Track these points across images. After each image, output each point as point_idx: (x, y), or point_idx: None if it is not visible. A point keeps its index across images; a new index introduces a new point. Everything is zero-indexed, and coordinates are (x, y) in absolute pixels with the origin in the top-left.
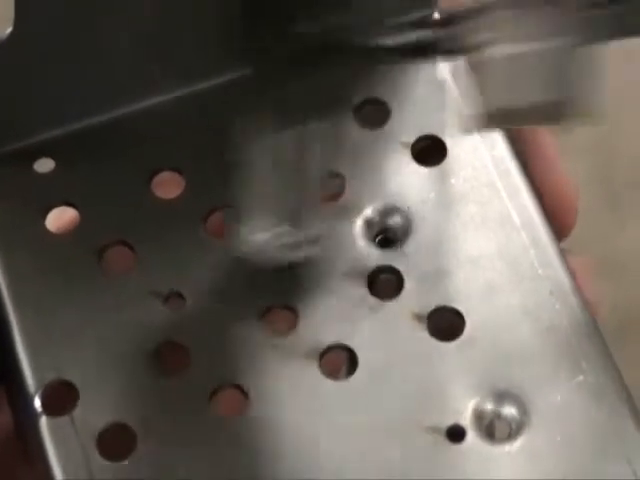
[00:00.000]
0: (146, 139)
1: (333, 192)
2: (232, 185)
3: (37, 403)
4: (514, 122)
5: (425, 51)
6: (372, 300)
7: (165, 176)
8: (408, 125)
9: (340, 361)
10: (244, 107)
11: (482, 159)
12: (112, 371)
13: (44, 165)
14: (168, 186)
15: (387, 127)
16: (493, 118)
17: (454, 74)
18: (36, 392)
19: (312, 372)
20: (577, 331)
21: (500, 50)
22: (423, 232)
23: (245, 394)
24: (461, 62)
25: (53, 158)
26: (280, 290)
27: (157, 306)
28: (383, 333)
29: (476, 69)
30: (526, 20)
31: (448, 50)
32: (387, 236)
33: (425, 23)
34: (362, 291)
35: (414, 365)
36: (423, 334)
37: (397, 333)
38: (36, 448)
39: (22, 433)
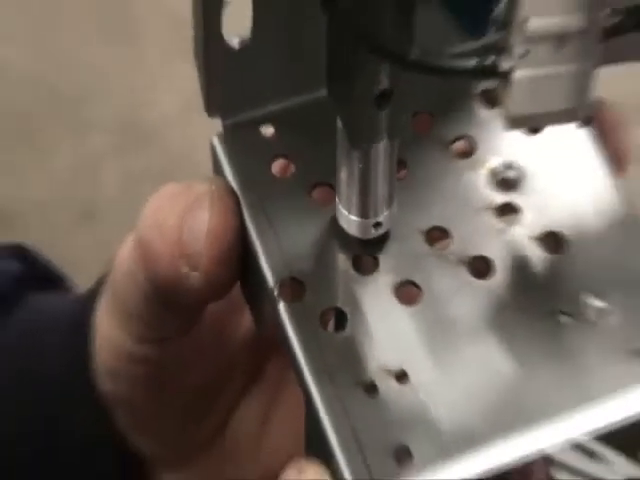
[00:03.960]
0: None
1: (466, 150)
2: None
3: (276, 293)
4: (538, 123)
5: (487, 73)
6: (501, 224)
7: None
8: None
9: (484, 267)
10: None
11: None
12: (326, 270)
13: (267, 130)
14: None
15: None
16: (520, 120)
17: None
18: (274, 286)
19: (463, 274)
20: None
21: (536, 71)
22: (532, 181)
23: (418, 288)
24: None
25: (273, 125)
26: (436, 215)
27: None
28: (511, 247)
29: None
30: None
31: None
32: (506, 182)
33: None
34: (493, 220)
35: (534, 267)
36: (538, 249)
37: (521, 249)
38: (276, 328)
39: (263, 321)
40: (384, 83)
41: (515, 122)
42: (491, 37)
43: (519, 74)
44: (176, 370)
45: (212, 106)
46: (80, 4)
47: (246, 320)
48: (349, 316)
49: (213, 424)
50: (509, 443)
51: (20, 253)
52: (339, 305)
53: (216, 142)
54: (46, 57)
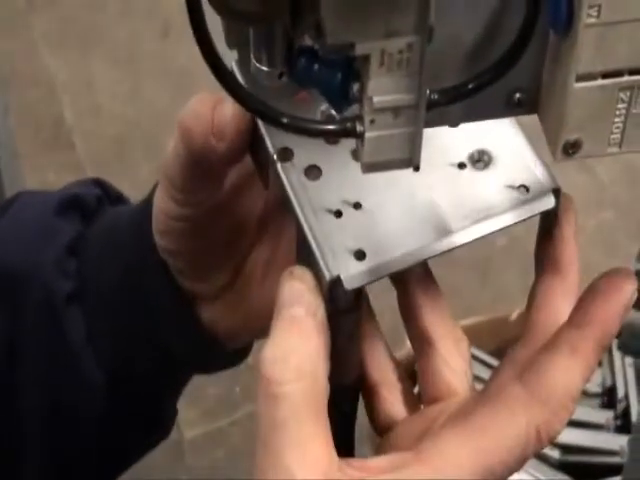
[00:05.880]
0: None
1: None
2: None
3: (275, 157)
4: (384, 168)
5: (348, 134)
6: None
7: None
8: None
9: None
10: None
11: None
12: (307, 141)
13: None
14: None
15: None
16: (371, 166)
17: None
18: (273, 151)
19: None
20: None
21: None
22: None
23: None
24: None
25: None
26: None
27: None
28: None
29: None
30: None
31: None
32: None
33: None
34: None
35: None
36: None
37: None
38: (275, 180)
39: (266, 178)
40: None
41: (368, 168)
42: (350, 110)
43: (369, 135)
44: (205, 226)
45: (230, 44)
46: (158, 75)
47: (254, 194)
48: (323, 169)
49: (234, 266)
50: (432, 243)
51: (98, 183)
52: (316, 163)
53: (234, 64)
54: (134, 105)
